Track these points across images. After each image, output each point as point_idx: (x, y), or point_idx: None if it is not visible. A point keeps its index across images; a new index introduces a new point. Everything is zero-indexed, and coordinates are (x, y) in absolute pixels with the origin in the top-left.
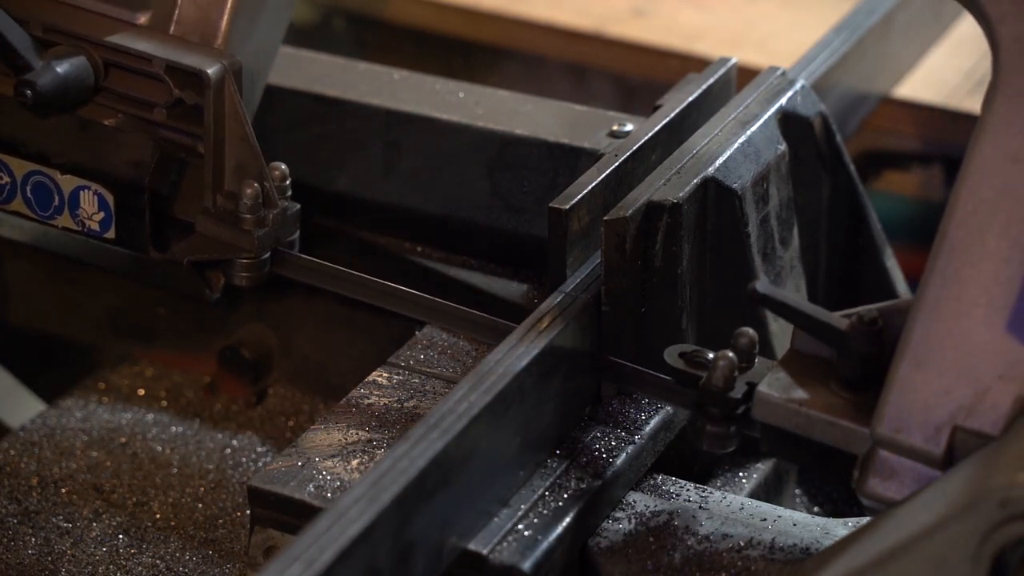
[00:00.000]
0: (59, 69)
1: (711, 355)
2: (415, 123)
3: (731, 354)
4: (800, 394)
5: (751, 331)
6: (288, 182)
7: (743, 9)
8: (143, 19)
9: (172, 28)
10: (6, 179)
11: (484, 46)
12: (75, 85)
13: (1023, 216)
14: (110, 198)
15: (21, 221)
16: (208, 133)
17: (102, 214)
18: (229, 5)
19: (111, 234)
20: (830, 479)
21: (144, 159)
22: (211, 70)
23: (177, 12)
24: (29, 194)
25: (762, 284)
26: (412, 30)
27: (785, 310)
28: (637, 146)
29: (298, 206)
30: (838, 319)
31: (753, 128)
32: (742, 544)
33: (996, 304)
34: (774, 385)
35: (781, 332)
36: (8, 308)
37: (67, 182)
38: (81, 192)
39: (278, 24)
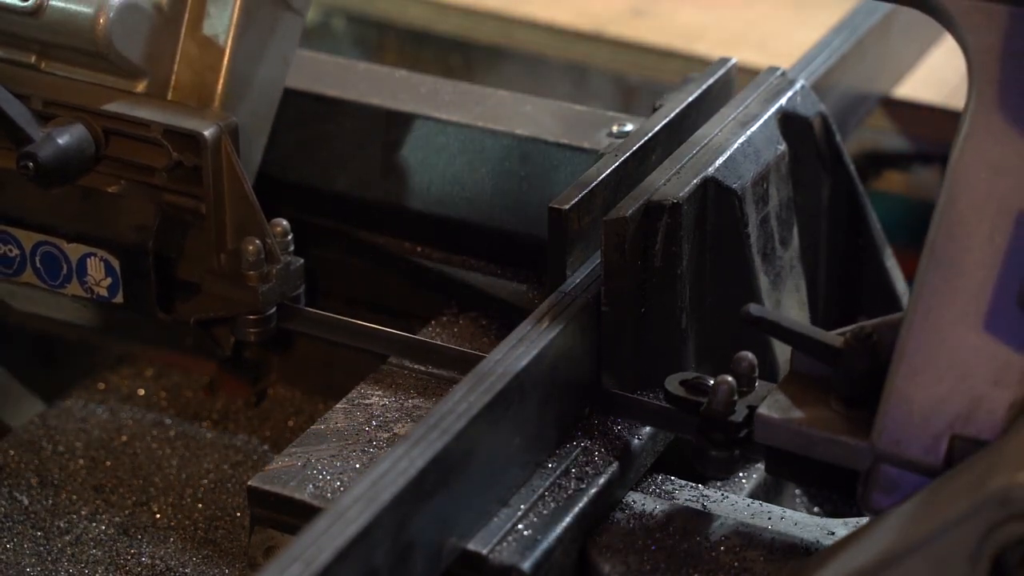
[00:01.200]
0: (60, 140)
1: (711, 381)
2: (415, 123)
3: (730, 378)
4: (799, 414)
5: (751, 355)
6: (290, 237)
7: (743, 9)
8: (140, 87)
9: (170, 94)
10: (15, 251)
11: (484, 46)
12: (76, 155)
13: (1006, 224)
14: (116, 263)
15: (33, 292)
16: (208, 193)
17: (109, 280)
18: (224, 68)
19: (119, 299)
20: (836, 497)
21: (147, 223)
22: (207, 132)
23: (174, 78)
24: (39, 264)
25: (755, 307)
26: (412, 30)
27: (779, 331)
28: (637, 146)
29: (301, 260)
30: (833, 337)
31: (753, 128)
32: (741, 544)
33: (983, 311)
34: (774, 407)
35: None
36: (8, 308)
37: (74, 250)
38: (88, 259)
39: (274, 84)
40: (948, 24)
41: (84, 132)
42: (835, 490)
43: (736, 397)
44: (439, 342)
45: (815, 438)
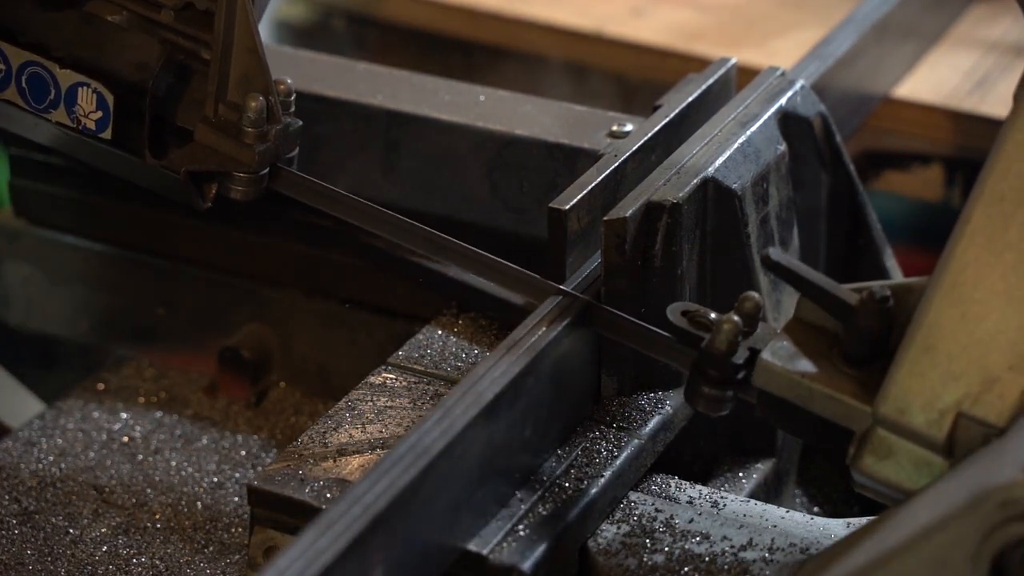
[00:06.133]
0: None
1: (713, 315)
2: (415, 123)
3: (736, 318)
4: (803, 365)
5: (756, 296)
6: (293, 97)
7: (743, 9)
8: None
9: None
10: (1, 67)
11: (484, 46)
12: None
13: None
14: (110, 99)
15: (12, 110)
16: (217, 41)
17: (100, 113)
18: None
19: (107, 135)
20: (822, 450)
21: (148, 62)
22: None
23: None
24: (24, 84)
25: (775, 251)
26: (412, 30)
27: (795, 279)
28: (637, 146)
29: (300, 122)
30: (849, 293)
31: (753, 128)
32: (741, 544)
33: (1014, 295)
34: (778, 353)
35: None
36: (8, 309)
37: (65, 76)
38: (79, 89)
39: None
40: None
41: None
42: (823, 444)
43: (740, 339)
44: (426, 228)
45: (815, 393)
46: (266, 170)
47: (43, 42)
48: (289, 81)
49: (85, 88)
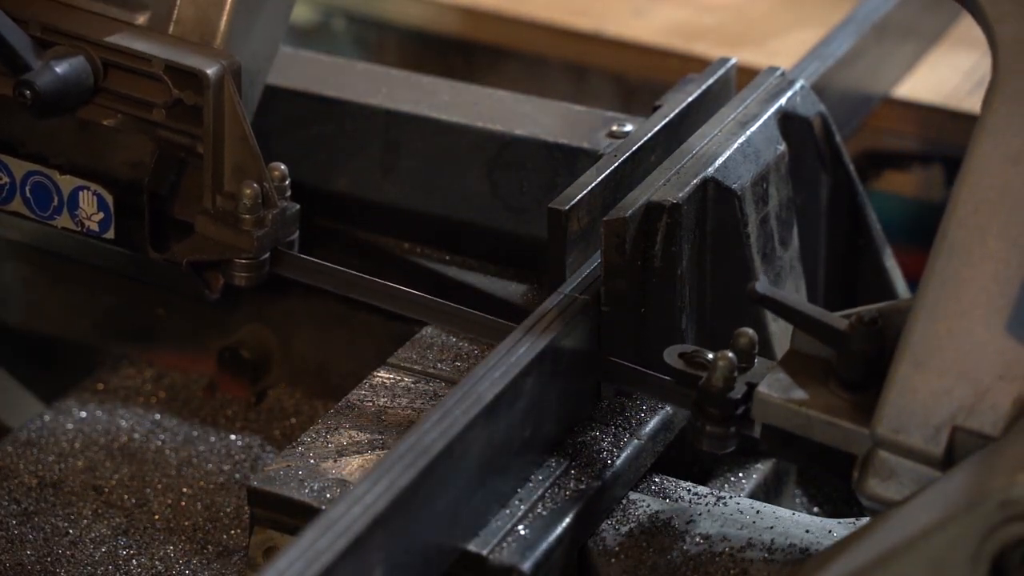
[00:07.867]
0: (58, 69)
1: (710, 355)
2: (415, 123)
3: (731, 354)
4: (800, 394)
5: (751, 331)
6: (288, 182)
7: (743, 9)
8: (142, 19)
9: (171, 28)
10: (5, 179)
11: (484, 46)
12: (74, 86)
13: (1022, 217)
14: (109, 199)
15: (20, 221)
16: (207, 134)
17: (101, 215)
18: (228, 5)
19: (111, 234)
20: (829, 478)
21: (143, 160)
22: (210, 70)
23: (176, 12)
24: (28, 194)
25: (761, 284)
26: (412, 30)
27: (784, 310)
28: (636, 147)
29: (297, 206)
30: (837, 319)
31: (752, 128)
32: (741, 545)
33: (996, 304)
34: (774, 385)
35: (781, 333)
36: (8, 309)
37: (66, 182)
38: (80, 192)
39: (277, 24)
40: (974, 12)
41: (83, 63)
42: (830, 472)
43: (736, 374)
44: (427, 296)
45: (814, 420)
46: (267, 254)
47: (42, 151)
48: (283, 167)
49: (85, 191)
